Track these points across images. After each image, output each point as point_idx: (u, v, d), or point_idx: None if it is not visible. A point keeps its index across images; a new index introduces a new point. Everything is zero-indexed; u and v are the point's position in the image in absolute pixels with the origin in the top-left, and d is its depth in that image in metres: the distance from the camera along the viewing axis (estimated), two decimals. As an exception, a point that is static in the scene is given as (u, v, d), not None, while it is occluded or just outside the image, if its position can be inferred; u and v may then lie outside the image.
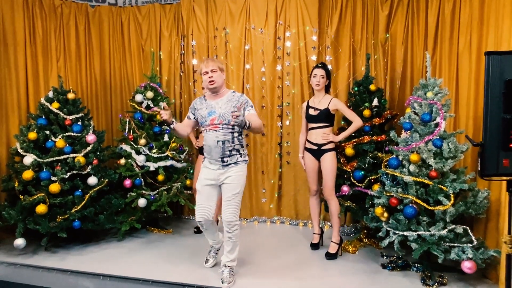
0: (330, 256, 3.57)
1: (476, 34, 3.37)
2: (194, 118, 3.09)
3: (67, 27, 4.69)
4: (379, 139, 3.81)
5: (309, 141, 3.72)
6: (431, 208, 2.99)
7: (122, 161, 4.14)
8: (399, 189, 3.16)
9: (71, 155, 3.80)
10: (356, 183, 3.79)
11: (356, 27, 4.37)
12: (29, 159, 3.66)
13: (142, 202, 3.99)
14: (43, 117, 3.92)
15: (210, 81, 2.90)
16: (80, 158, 3.80)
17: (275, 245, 3.95)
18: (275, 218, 4.76)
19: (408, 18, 4.19)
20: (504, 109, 1.84)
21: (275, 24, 4.57)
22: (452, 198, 2.92)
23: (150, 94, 4.31)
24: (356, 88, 4.08)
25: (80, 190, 3.77)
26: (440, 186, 2.99)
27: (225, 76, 3.05)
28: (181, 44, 4.90)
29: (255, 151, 4.75)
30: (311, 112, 3.65)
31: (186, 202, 4.27)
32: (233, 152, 2.96)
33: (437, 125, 3.12)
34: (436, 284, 3.00)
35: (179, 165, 4.29)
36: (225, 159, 2.94)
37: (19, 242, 3.50)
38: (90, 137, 3.96)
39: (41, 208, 3.48)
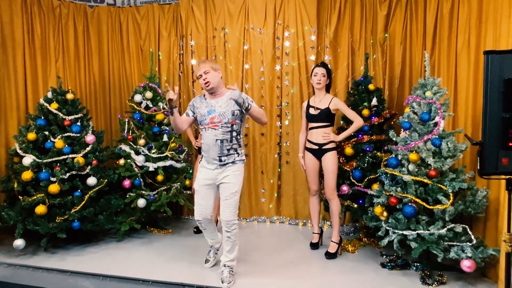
0: (329, 256, 3.58)
1: (475, 34, 3.38)
2: (192, 116, 3.09)
3: (66, 28, 4.69)
4: (378, 139, 3.82)
5: (309, 141, 3.71)
6: (430, 207, 2.99)
7: (121, 161, 4.14)
8: (399, 188, 3.16)
9: (70, 156, 3.79)
10: (356, 183, 3.80)
11: (355, 27, 4.37)
12: (28, 159, 3.66)
13: (141, 202, 3.99)
14: (42, 117, 3.91)
15: (205, 83, 2.92)
16: (79, 158, 3.80)
17: (275, 245, 3.95)
18: (275, 218, 4.76)
19: (407, 17, 4.20)
20: (503, 108, 1.85)
21: (274, 24, 4.57)
22: (451, 197, 2.93)
23: (149, 94, 4.31)
24: (355, 88, 4.09)
25: (79, 190, 3.77)
26: (439, 185, 3.00)
27: (221, 74, 3.04)
28: (180, 44, 4.90)
29: (254, 151, 4.75)
30: (312, 111, 3.64)
31: (186, 202, 4.27)
32: (231, 152, 2.97)
33: (436, 124, 3.12)
34: (435, 283, 3.00)
35: (178, 165, 4.29)
36: (222, 158, 2.95)
37: (19, 242, 3.49)
38: (89, 138, 3.95)
39: (40, 209, 3.48)
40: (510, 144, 1.83)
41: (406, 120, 3.30)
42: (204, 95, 3.09)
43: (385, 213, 3.25)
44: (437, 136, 3.09)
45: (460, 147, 3.09)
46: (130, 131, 4.27)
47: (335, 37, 4.42)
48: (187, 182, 4.38)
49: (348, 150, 3.86)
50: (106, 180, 3.97)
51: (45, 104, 3.93)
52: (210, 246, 3.45)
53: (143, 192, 4.07)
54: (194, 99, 3.15)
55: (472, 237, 2.94)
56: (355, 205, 3.81)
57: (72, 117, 3.98)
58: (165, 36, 4.93)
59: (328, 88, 3.72)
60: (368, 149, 3.80)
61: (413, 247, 2.97)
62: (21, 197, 3.56)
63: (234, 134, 2.96)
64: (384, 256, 3.54)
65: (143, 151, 4.16)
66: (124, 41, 5.03)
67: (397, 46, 4.28)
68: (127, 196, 4.04)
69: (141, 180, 4.10)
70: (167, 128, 4.34)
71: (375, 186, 3.56)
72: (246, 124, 4.64)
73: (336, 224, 3.65)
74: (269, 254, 3.70)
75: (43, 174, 3.61)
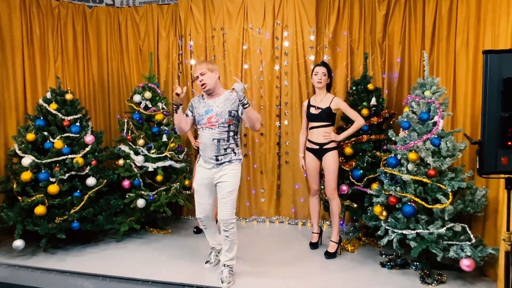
0: (329, 255, 3.58)
1: (473, 33, 3.39)
2: (192, 116, 3.13)
3: (65, 28, 4.69)
4: (377, 138, 3.83)
5: (310, 141, 3.70)
6: (430, 206, 3.00)
7: (121, 161, 4.13)
8: (398, 188, 3.17)
9: (70, 156, 3.79)
10: (355, 182, 3.80)
11: (354, 26, 4.38)
12: (27, 160, 3.66)
13: (141, 202, 3.99)
14: (41, 118, 3.91)
15: (201, 85, 2.95)
16: (78, 159, 3.79)
17: (274, 245, 3.95)
18: (274, 218, 4.76)
19: (406, 17, 4.20)
20: (502, 107, 1.85)
21: (273, 24, 4.58)
22: (450, 197, 2.94)
23: (148, 94, 4.31)
24: (354, 88, 4.09)
25: (78, 191, 3.76)
26: (439, 184, 3.00)
27: (218, 75, 3.04)
28: (179, 44, 4.90)
29: (253, 151, 4.76)
30: (312, 111, 3.63)
31: (185, 202, 4.27)
32: (228, 151, 2.99)
33: (435, 123, 3.13)
34: (435, 282, 3.01)
35: (177, 165, 4.29)
36: (219, 157, 2.97)
37: (18, 243, 3.49)
38: (89, 138, 3.95)
39: (39, 209, 3.47)
40: (509, 143, 1.83)
41: (405, 119, 3.30)
42: (202, 95, 3.12)
43: (384, 213, 3.26)
44: (436, 136, 3.10)
45: (459, 147, 3.09)
46: (129, 132, 4.27)
47: (334, 37, 4.43)
48: (187, 182, 4.38)
49: (348, 150, 3.87)
50: (105, 181, 3.97)
51: (44, 104, 3.92)
52: (211, 247, 3.47)
53: (143, 192, 4.07)
54: (193, 99, 3.18)
55: (471, 236, 2.95)
56: (355, 205, 3.82)
57: (71, 117, 3.98)
58: (164, 36, 4.93)
59: (328, 87, 3.72)
60: (367, 148, 3.80)
61: (413, 246, 2.98)
62: (20, 198, 3.55)
63: (231, 134, 2.98)
64: (384, 256, 3.55)
65: (142, 151, 4.16)
66: (123, 41, 5.03)
67: (395, 46, 4.28)
68: (127, 196, 4.04)
69: (141, 180, 4.10)
70: (166, 128, 4.34)
71: (375, 186, 3.56)
72: (245, 124, 4.64)
73: (336, 224, 3.66)
74: (269, 254, 3.70)
75: (42, 174, 3.61)
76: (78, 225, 3.65)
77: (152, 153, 4.17)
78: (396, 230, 3.09)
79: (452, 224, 2.96)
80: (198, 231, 4.28)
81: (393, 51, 4.30)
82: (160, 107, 4.39)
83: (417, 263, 3.26)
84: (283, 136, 4.66)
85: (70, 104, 4.03)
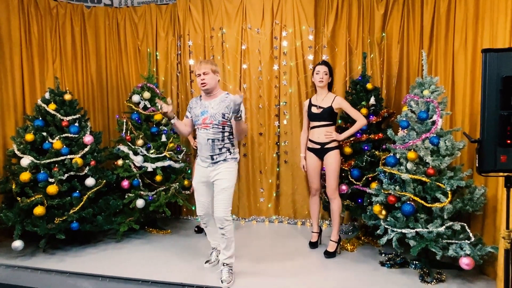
0: (328, 255, 3.58)
1: (472, 32, 3.40)
2: (190, 117, 3.19)
3: (63, 28, 4.68)
4: (376, 138, 3.84)
5: (311, 141, 3.68)
6: (429, 205, 3.01)
7: (120, 162, 4.13)
8: (397, 187, 3.17)
9: (69, 157, 3.79)
10: (354, 182, 3.81)
11: (352, 26, 4.39)
12: (26, 160, 3.65)
13: (140, 203, 3.99)
14: (40, 118, 3.90)
15: (202, 83, 3.00)
16: (77, 159, 3.79)
17: (274, 244, 3.96)
18: (273, 218, 4.76)
19: (404, 17, 4.21)
20: (501, 106, 1.85)
21: (272, 23, 4.58)
22: (449, 195, 2.95)
23: (147, 94, 4.30)
24: (353, 87, 4.10)
25: (78, 191, 3.75)
26: (438, 183, 3.01)
27: (219, 78, 3.11)
28: (177, 44, 4.89)
29: (252, 151, 4.76)
30: (314, 110, 3.62)
31: (184, 202, 4.27)
32: (223, 151, 3.03)
33: (433, 123, 3.14)
34: (434, 280, 3.02)
35: (177, 165, 4.29)
36: (214, 157, 3.03)
37: (17, 244, 3.48)
38: (88, 138, 3.95)
39: (38, 210, 3.46)
40: (508, 141, 1.84)
41: (404, 118, 3.31)
42: (200, 96, 3.17)
43: (383, 212, 3.27)
44: (435, 135, 3.11)
45: (457, 145, 3.10)
46: (128, 132, 4.27)
47: (333, 36, 4.44)
48: (186, 182, 4.38)
49: (347, 149, 3.87)
50: (104, 181, 3.96)
51: (43, 105, 3.92)
52: (212, 248, 3.48)
53: (142, 192, 4.07)
54: (191, 100, 3.24)
55: (471, 234, 2.95)
56: (353, 204, 3.82)
57: (70, 117, 3.97)
58: (163, 36, 4.93)
59: (330, 87, 3.71)
60: (366, 148, 3.81)
61: (412, 245, 2.98)
62: (19, 198, 3.54)
63: (226, 134, 3.03)
64: (383, 255, 3.56)
65: (141, 152, 4.16)
66: (122, 41, 5.02)
67: (394, 45, 4.29)
68: (126, 196, 4.04)
69: (140, 180, 4.09)
70: (165, 128, 4.34)
71: (374, 185, 3.57)
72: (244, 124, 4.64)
73: (336, 223, 3.66)
74: (268, 253, 3.70)
75: (41, 175, 3.60)
76: (77, 226, 3.64)
77: (151, 153, 4.17)
78: (395, 229, 3.10)
79: (451, 223, 2.96)
80: (199, 230, 4.28)
81: (391, 51, 4.31)
82: (159, 107, 4.37)
83: (417, 262, 3.27)
84: (282, 136, 4.67)
85: (69, 104, 4.03)
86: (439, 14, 3.82)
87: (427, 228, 2.97)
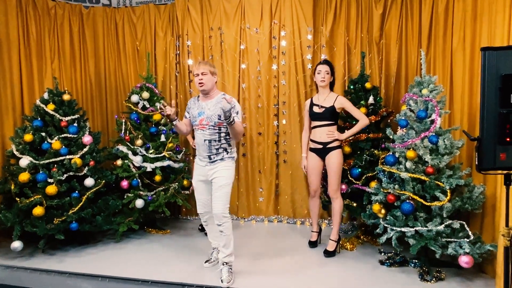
0: (328, 254, 3.59)
1: (470, 31, 3.41)
2: (189, 117, 3.23)
3: (61, 28, 4.68)
4: (375, 137, 3.84)
5: (313, 141, 3.66)
6: (428, 204, 3.02)
7: (119, 162, 4.12)
8: (396, 186, 3.18)
9: (68, 157, 3.78)
10: (354, 181, 3.81)
11: (351, 26, 4.39)
12: (25, 161, 3.64)
13: (139, 203, 3.98)
14: (39, 118, 3.89)
15: (199, 83, 3.04)
16: (76, 159, 3.78)
17: (273, 244, 3.96)
18: (273, 217, 4.77)
19: (402, 16, 4.22)
20: (500, 104, 1.86)
21: (270, 23, 4.58)
22: (448, 194, 2.96)
23: (146, 94, 4.30)
24: (351, 86, 4.11)
25: (77, 191, 3.75)
26: (437, 182, 3.02)
27: (216, 79, 3.15)
28: (176, 44, 4.89)
29: (251, 151, 4.76)
30: (316, 109, 3.60)
31: (184, 202, 4.27)
32: (220, 151, 3.08)
33: (432, 121, 3.15)
34: (434, 279, 3.03)
35: (176, 165, 4.29)
36: (211, 156, 3.08)
37: (16, 244, 3.47)
38: (87, 139, 3.94)
39: (38, 210, 3.46)
40: (508, 139, 1.84)
41: (403, 117, 3.32)
42: (198, 97, 3.21)
43: (383, 211, 3.27)
44: (433, 134, 3.12)
45: (456, 144, 3.11)
46: (127, 132, 4.26)
47: (331, 36, 4.44)
48: (185, 182, 4.38)
49: (346, 149, 3.88)
50: (103, 181, 3.96)
51: (42, 105, 3.91)
52: (213, 248, 3.49)
53: (141, 192, 4.07)
54: (189, 101, 3.29)
55: (470, 233, 2.96)
56: (354, 204, 3.83)
57: (69, 118, 3.96)
58: (161, 36, 4.92)
59: (332, 86, 3.67)
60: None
61: (411, 243, 2.99)
62: (18, 199, 3.53)
63: (223, 134, 3.06)
64: (383, 254, 3.56)
65: (140, 152, 4.15)
66: (120, 41, 5.02)
67: (392, 45, 4.30)
68: (125, 196, 4.03)
69: (139, 180, 4.09)
70: (165, 128, 4.34)
71: (373, 184, 3.57)
72: (243, 124, 4.64)
73: (336, 223, 3.65)
74: (268, 253, 3.70)
75: (40, 175, 3.59)
76: (77, 226, 3.64)
77: (150, 153, 4.16)
78: (394, 228, 3.11)
79: (450, 221, 2.97)
80: (203, 228, 4.29)
81: (390, 50, 4.32)
82: (158, 107, 4.36)
83: (416, 261, 3.27)
84: (281, 135, 4.67)
85: (68, 104, 4.02)
86: (437, 13, 3.84)
87: (427, 227, 2.98)
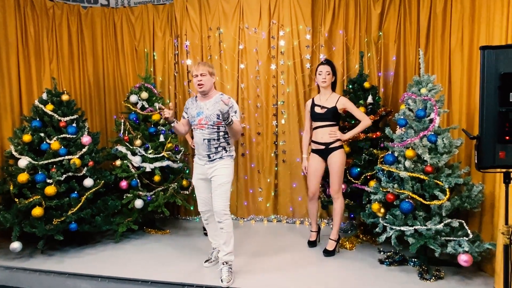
0: (328, 253, 3.59)
1: (468, 31, 3.42)
2: (187, 117, 3.26)
3: (60, 29, 4.67)
4: (374, 136, 3.85)
5: (314, 142, 3.63)
6: (427, 202, 3.03)
7: (118, 162, 4.12)
8: (395, 185, 3.19)
9: (67, 157, 3.78)
10: (353, 180, 3.82)
11: (349, 25, 4.40)
12: (24, 161, 3.63)
13: (138, 203, 3.98)
14: (37, 119, 3.89)
15: (198, 84, 3.07)
16: (75, 160, 3.78)
17: (273, 244, 3.96)
18: (272, 217, 4.77)
19: (400, 16, 4.23)
20: (499, 103, 1.87)
21: (269, 23, 4.59)
22: (447, 193, 2.97)
23: (145, 94, 4.30)
24: (350, 86, 4.12)
25: (76, 192, 3.74)
26: (436, 181, 3.03)
27: (214, 80, 3.18)
28: (174, 44, 4.89)
29: (250, 150, 4.76)
30: (318, 110, 3.58)
31: (183, 202, 4.27)
32: (219, 149, 3.11)
33: (431, 121, 3.16)
34: (433, 278, 3.03)
35: (175, 165, 4.28)
36: (211, 155, 3.11)
37: (15, 245, 3.46)
38: (85, 139, 3.94)
39: (37, 211, 3.45)
40: (507, 137, 1.85)
41: (402, 117, 3.33)
42: (196, 97, 3.23)
43: (382, 210, 3.28)
44: (432, 133, 3.13)
45: (455, 143, 3.12)
46: (126, 132, 4.26)
47: (330, 35, 4.45)
48: (184, 182, 4.38)
49: (345, 148, 3.88)
50: (102, 181, 3.95)
51: (40, 105, 3.90)
52: (213, 248, 3.49)
53: (140, 193, 4.07)
54: (187, 101, 3.31)
55: (469, 231, 2.97)
56: (353, 203, 3.84)
57: (68, 118, 3.96)
58: (160, 36, 4.92)
59: (334, 86, 3.65)
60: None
61: (411, 242, 2.99)
62: (17, 200, 3.53)
63: (222, 133, 3.09)
64: (382, 253, 3.57)
65: (139, 152, 4.15)
66: (119, 41, 5.01)
67: (391, 44, 4.31)
68: (124, 197, 4.03)
69: (138, 181, 4.09)
70: (163, 129, 4.34)
71: (372, 183, 3.57)
72: (242, 124, 4.65)
73: (336, 223, 3.64)
74: (267, 252, 3.71)
75: (39, 176, 3.59)
76: (76, 227, 3.63)
77: (149, 154, 4.16)
78: (394, 227, 3.11)
79: (449, 220, 2.98)
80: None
81: (388, 50, 4.33)
82: (157, 107, 4.36)
83: (415, 260, 3.29)
84: (280, 135, 4.68)
85: (66, 105, 4.02)
86: (436, 13, 3.85)
87: (426, 226, 2.99)
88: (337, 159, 3.53)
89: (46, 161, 3.69)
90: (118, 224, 3.97)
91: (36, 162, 3.66)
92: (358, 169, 3.79)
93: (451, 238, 2.95)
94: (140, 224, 4.24)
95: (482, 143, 1.90)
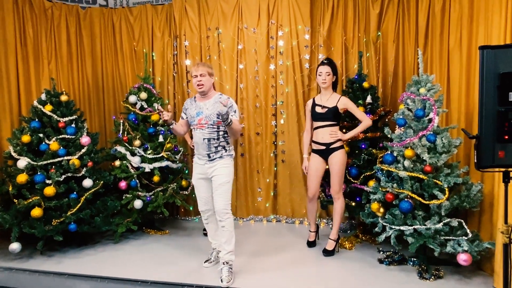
0: (327, 253, 3.60)
1: (466, 31, 3.43)
2: (186, 118, 3.27)
3: (58, 29, 4.66)
4: (373, 136, 3.86)
5: (315, 142, 3.62)
6: (427, 202, 3.03)
7: (117, 163, 4.11)
8: (395, 185, 3.20)
9: (66, 158, 3.77)
10: (352, 180, 3.82)
11: (348, 25, 4.41)
12: (23, 162, 3.62)
13: (138, 203, 3.98)
14: (36, 119, 3.88)
15: (198, 85, 3.10)
16: (74, 160, 3.77)
17: (272, 243, 3.96)
18: (271, 217, 4.77)
19: (399, 16, 4.24)
20: (498, 102, 1.88)
21: (268, 23, 4.59)
22: (446, 192, 2.97)
23: (144, 95, 4.30)
24: (349, 86, 4.12)
25: (75, 192, 3.74)
26: (435, 180, 3.04)
27: (214, 80, 3.21)
28: (173, 44, 4.89)
29: (250, 151, 4.76)
30: (318, 110, 3.56)
31: (182, 202, 4.27)
32: (219, 149, 3.13)
33: (430, 120, 3.17)
34: (432, 277, 3.04)
35: (174, 165, 4.28)
36: (211, 155, 3.13)
37: (15, 246, 3.45)
38: (85, 139, 3.93)
39: (36, 212, 3.45)
40: (506, 137, 1.86)
41: (401, 117, 3.33)
42: (195, 97, 3.25)
43: (381, 209, 3.29)
44: (431, 132, 3.13)
45: (454, 143, 3.13)
46: (125, 132, 4.25)
47: (329, 35, 4.45)
48: (184, 182, 4.37)
49: (345, 148, 3.88)
50: (102, 182, 3.95)
51: (39, 106, 3.90)
52: (213, 248, 3.49)
53: (140, 193, 4.06)
54: (186, 101, 3.33)
55: (468, 231, 2.98)
56: (353, 203, 3.84)
57: (67, 119, 3.96)
58: (159, 36, 4.92)
59: (335, 85, 3.63)
60: (363, 146, 3.83)
61: (410, 242, 3.00)
62: (16, 200, 3.52)
63: (221, 133, 3.11)
64: (381, 252, 3.57)
65: (138, 152, 4.14)
66: (117, 42, 5.01)
67: (390, 44, 4.31)
68: (124, 197, 4.03)
69: (137, 181, 4.08)
70: (163, 129, 4.33)
71: (371, 183, 3.59)
72: (241, 124, 4.65)
73: (336, 223, 3.63)
74: (267, 252, 3.71)
75: (38, 176, 3.58)
76: (75, 227, 3.62)
77: (149, 154, 4.16)
78: (393, 227, 3.12)
79: (448, 220, 2.99)
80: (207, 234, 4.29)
81: (387, 50, 4.34)
82: (156, 107, 4.36)
83: (415, 259, 3.29)
84: (279, 135, 4.68)
85: (65, 105, 4.01)
86: (434, 13, 3.86)
87: (425, 225, 2.99)
88: (338, 159, 3.52)
89: (45, 162, 3.69)
90: (117, 224, 3.96)
91: (35, 163, 3.65)
92: (358, 169, 3.79)
93: (450, 237, 2.96)
94: (139, 224, 4.24)
95: (481, 142, 1.90)
